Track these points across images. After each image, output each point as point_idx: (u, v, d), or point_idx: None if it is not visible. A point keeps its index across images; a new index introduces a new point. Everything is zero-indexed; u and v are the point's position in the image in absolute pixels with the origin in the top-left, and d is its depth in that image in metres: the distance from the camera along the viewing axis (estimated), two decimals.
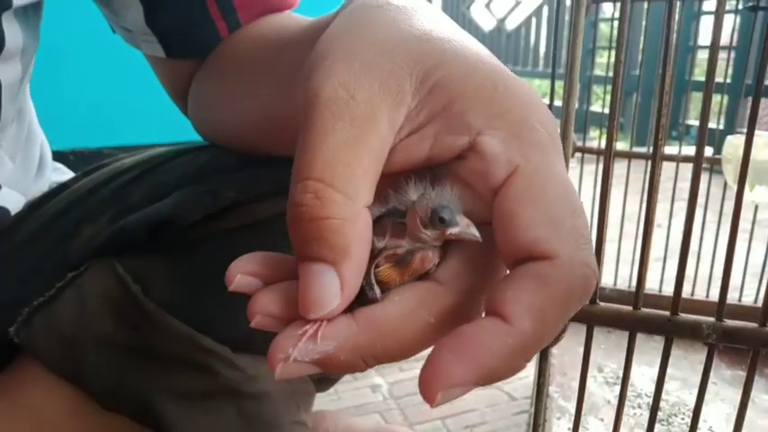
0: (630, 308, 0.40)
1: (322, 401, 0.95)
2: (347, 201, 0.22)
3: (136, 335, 0.44)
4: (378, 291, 0.24)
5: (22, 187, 0.55)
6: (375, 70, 0.24)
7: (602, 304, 0.41)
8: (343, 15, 0.28)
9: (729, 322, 0.38)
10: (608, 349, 1.00)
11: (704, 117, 0.37)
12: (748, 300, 1.08)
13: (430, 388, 0.21)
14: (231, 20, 0.49)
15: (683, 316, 0.39)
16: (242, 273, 0.25)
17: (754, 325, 0.38)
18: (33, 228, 0.50)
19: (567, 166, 0.42)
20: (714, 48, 0.36)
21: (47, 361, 0.45)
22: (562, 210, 0.22)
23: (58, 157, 0.66)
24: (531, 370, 1.08)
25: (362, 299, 0.24)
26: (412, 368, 1.08)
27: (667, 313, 0.39)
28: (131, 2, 0.48)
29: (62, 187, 0.53)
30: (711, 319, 0.38)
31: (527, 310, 0.21)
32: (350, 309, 0.23)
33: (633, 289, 0.40)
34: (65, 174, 0.65)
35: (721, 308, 0.38)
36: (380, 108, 0.23)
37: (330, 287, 0.22)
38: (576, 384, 0.44)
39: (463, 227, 0.23)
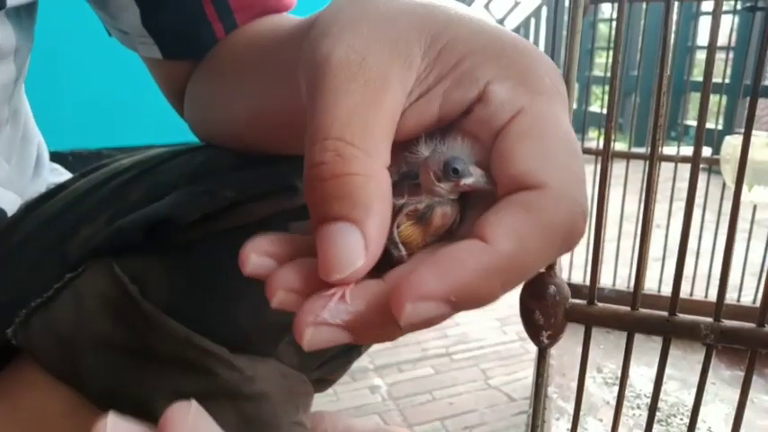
0: (629, 308, 0.40)
1: (320, 402, 0.95)
2: (368, 157, 0.22)
3: (134, 336, 0.44)
4: (403, 249, 0.24)
5: (19, 188, 0.55)
6: (384, 35, 0.24)
7: (600, 305, 0.41)
8: None
9: (727, 323, 0.38)
10: (607, 349, 1.00)
11: (701, 119, 0.37)
12: (747, 299, 1.08)
13: (399, 299, 0.20)
14: (228, 21, 0.49)
15: (681, 316, 0.39)
16: (256, 253, 0.24)
17: (752, 325, 0.38)
18: (31, 229, 0.50)
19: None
20: (711, 50, 0.36)
21: (45, 362, 0.45)
22: (559, 148, 0.23)
23: (57, 158, 0.66)
24: (529, 370, 1.08)
25: (385, 263, 0.23)
26: (411, 369, 1.08)
27: (665, 314, 0.39)
28: (128, 4, 0.48)
29: (60, 188, 0.53)
30: (709, 320, 0.38)
31: (507, 232, 0.21)
32: (373, 274, 0.23)
33: (632, 289, 0.40)
34: (62, 175, 0.65)
35: (719, 308, 0.38)
36: (392, 70, 0.23)
37: (356, 245, 0.21)
38: (575, 385, 0.44)
39: (477, 176, 0.23)
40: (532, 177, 0.22)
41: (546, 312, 0.40)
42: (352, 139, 0.22)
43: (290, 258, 0.24)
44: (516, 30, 4.31)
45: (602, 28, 2.98)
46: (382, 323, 0.22)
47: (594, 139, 1.69)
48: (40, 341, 0.45)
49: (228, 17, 0.48)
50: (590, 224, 0.40)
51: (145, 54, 0.52)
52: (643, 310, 0.40)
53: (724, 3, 1.04)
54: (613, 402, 0.44)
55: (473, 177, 0.23)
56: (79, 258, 0.46)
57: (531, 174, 0.22)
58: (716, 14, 0.35)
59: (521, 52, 0.25)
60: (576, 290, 1.05)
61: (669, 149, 1.20)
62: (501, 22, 4.34)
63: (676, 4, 1.20)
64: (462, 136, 0.25)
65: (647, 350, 0.91)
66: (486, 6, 4.38)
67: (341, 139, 0.22)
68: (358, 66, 0.23)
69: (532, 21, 4.26)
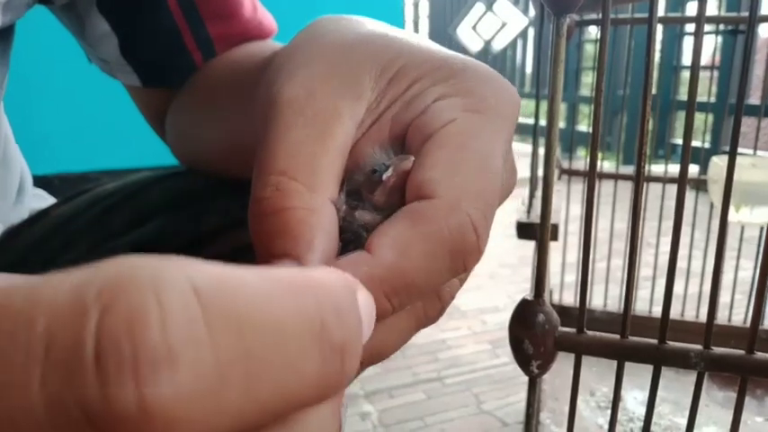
0: (617, 336, 0.39)
1: None
2: (311, 192, 0.22)
3: None
4: None
5: (1, 215, 0.54)
6: (335, 69, 0.24)
7: (590, 333, 0.40)
8: (300, 33, 0.28)
9: (717, 350, 0.38)
10: (600, 372, 0.99)
11: (686, 144, 0.36)
12: (738, 317, 1.08)
13: None
14: (207, 50, 0.49)
15: (671, 344, 0.38)
16: None
17: (741, 352, 0.37)
18: (12, 256, 0.49)
19: (551, 189, 0.42)
20: (694, 73, 0.36)
21: None
22: (469, 162, 0.22)
23: (43, 181, 0.65)
24: (523, 394, 1.07)
25: None
26: (402, 395, 1.07)
27: (655, 342, 0.38)
28: (106, 34, 0.48)
29: (42, 214, 0.52)
30: (699, 347, 0.38)
31: (390, 242, 0.20)
32: None
33: (622, 310, 0.40)
34: (45, 200, 0.64)
35: (708, 335, 0.38)
36: (341, 104, 0.23)
37: None
38: (567, 409, 0.43)
39: (394, 163, 0.23)
40: (429, 186, 0.21)
41: (535, 342, 0.39)
42: (295, 174, 0.22)
43: None
44: (503, 50, 4.36)
45: (589, 48, 3.02)
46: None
47: (582, 158, 1.70)
48: None
49: (208, 46, 0.49)
50: (579, 245, 0.39)
51: (124, 81, 0.52)
52: (633, 339, 0.39)
53: (707, 24, 1.05)
54: (606, 426, 0.43)
55: (391, 169, 0.23)
56: None
57: (428, 182, 0.21)
58: (696, 44, 0.35)
59: (471, 74, 0.25)
60: (566, 312, 1.05)
61: (657, 167, 1.21)
62: (488, 43, 4.39)
63: (660, 26, 1.21)
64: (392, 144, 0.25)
65: (640, 372, 0.90)
66: (474, 27, 4.43)
67: (283, 174, 0.22)
68: (306, 101, 0.23)
69: (519, 42, 4.31)
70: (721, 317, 1.09)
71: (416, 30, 5.40)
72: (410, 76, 0.24)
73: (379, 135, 0.25)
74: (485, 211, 0.22)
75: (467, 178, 0.22)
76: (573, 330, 0.40)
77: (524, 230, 0.70)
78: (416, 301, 0.23)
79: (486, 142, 0.23)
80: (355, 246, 0.22)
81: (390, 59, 0.25)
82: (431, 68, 0.25)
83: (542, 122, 0.76)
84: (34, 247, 0.49)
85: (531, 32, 4.18)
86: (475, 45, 4.52)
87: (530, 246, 0.81)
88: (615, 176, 1.12)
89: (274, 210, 0.21)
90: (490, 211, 0.22)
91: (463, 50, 4.56)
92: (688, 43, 2.51)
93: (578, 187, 1.06)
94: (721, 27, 1.16)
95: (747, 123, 1.88)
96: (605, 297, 1.14)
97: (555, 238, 0.72)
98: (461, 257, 0.21)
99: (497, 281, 1.61)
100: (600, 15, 0.36)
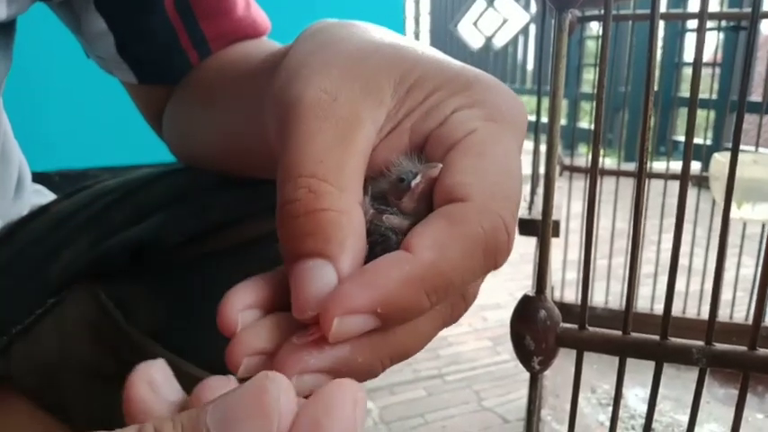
0: (620, 333, 0.39)
1: None
2: (341, 193, 0.22)
3: (119, 362, 0.43)
4: None
5: (0, 210, 0.54)
6: (355, 76, 0.25)
7: (592, 329, 0.40)
8: (307, 36, 0.28)
9: (719, 346, 0.38)
10: (601, 369, 0.99)
11: (688, 141, 0.36)
12: (740, 315, 1.08)
13: (326, 314, 0.20)
14: (203, 49, 0.49)
15: (673, 340, 0.38)
16: (239, 310, 0.23)
17: (743, 348, 0.37)
18: (12, 252, 0.49)
19: (553, 185, 0.42)
20: (696, 70, 0.36)
21: (27, 392, 0.44)
22: (494, 167, 0.23)
23: (43, 178, 0.65)
24: (523, 391, 1.07)
25: None
26: (403, 392, 1.07)
27: (657, 338, 0.38)
28: (103, 32, 0.48)
29: (42, 210, 0.53)
30: (701, 344, 0.38)
31: (428, 243, 0.21)
32: None
33: (623, 308, 0.40)
34: (46, 196, 0.64)
35: (710, 332, 0.38)
36: (363, 108, 0.24)
37: (330, 282, 0.21)
38: (569, 406, 0.43)
39: (422, 170, 0.24)
40: (461, 190, 0.22)
41: (537, 338, 0.39)
42: (325, 176, 0.22)
43: (273, 299, 0.24)
44: (505, 47, 4.35)
45: (590, 44, 3.01)
46: (365, 365, 0.22)
47: (584, 155, 1.70)
48: (21, 370, 0.44)
49: (203, 46, 0.49)
50: (580, 243, 0.39)
51: (121, 78, 0.52)
52: (635, 335, 0.39)
53: (709, 21, 1.05)
54: (608, 423, 0.43)
55: (419, 176, 0.24)
56: (62, 283, 0.46)
57: (460, 186, 0.22)
58: (699, 39, 0.35)
59: (484, 85, 0.26)
60: (568, 309, 1.05)
61: (659, 164, 1.20)
62: (489, 39, 4.39)
63: (662, 22, 1.21)
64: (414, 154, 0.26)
65: (641, 370, 0.90)
66: (475, 24, 4.43)
67: (314, 176, 0.22)
68: (329, 106, 0.24)
69: (521, 38, 4.30)
70: (723, 314, 1.09)
71: (417, 26, 5.39)
72: (427, 86, 0.25)
73: (397, 142, 0.25)
74: (513, 212, 0.23)
75: (494, 182, 0.23)
76: (574, 326, 0.40)
77: (526, 227, 0.70)
78: (450, 298, 0.24)
79: (507, 149, 0.24)
80: (383, 248, 0.23)
81: (407, 69, 0.25)
82: (446, 80, 0.25)
83: (544, 119, 0.76)
84: (34, 242, 0.49)
85: (533, 29, 4.17)
86: (476, 41, 4.51)
87: (531, 243, 0.81)
88: (617, 173, 1.11)
89: (306, 211, 0.22)
90: (516, 213, 0.23)
91: (464, 47, 4.56)
92: (690, 40, 2.50)
93: (580, 184, 1.06)
94: (723, 24, 1.16)
95: (749, 120, 1.87)
96: (607, 294, 1.14)
97: (556, 234, 0.72)
98: (494, 256, 0.22)
99: (498, 278, 1.61)
100: (602, 11, 0.36)
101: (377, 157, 0.25)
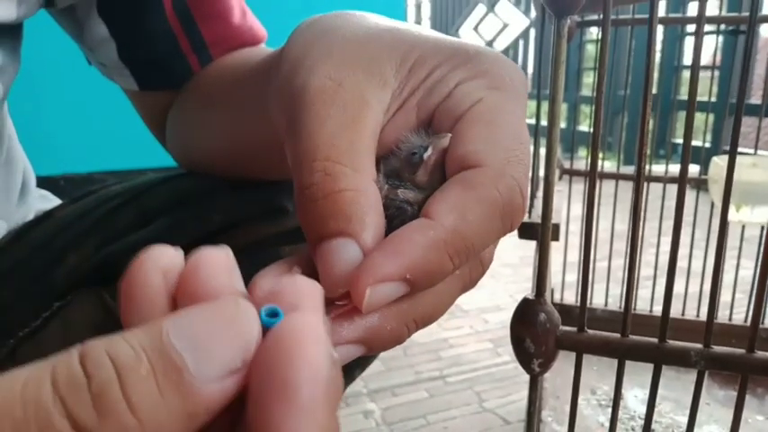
0: (618, 335, 0.40)
1: None
2: (356, 173, 0.23)
3: None
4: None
5: (4, 213, 0.54)
6: (356, 60, 0.25)
7: (591, 332, 0.40)
8: (303, 28, 0.29)
9: (717, 349, 0.38)
10: (601, 371, 0.99)
11: (686, 144, 0.37)
12: (739, 317, 1.08)
13: (357, 286, 0.21)
14: (203, 55, 0.50)
15: (671, 343, 0.39)
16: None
17: (741, 351, 0.38)
18: (18, 256, 0.49)
19: (552, 189, 0.42)
20: (694, 73, 0.36)
21: None
22: (504, 133, 0.24)
23: (49, 182, 0.66)
24: (524, 392, 1.08)
25: None
26: (405, 393, 1.07)
27: (655, 340, 0.39)
28: (104, 38, 0.48)
29: (47, 215, 0.53)
30: (699, 346, 0.38)
31: (449, 207, 0.22)
32: None
33: (622, 310, 0.40)
34: (51, 201, 0.64)
35: (708, 334, 0.38)
36: (368, 91, 0.25)
37: (356, 258, 0.22)
38: (569, 408, 0.44)
39: (432, 142, 0.25)
40: (475, 157, 0.23)
41: (537, 340, 0.39)
42: (339, 158, 0.23)
43: None
44: (505, 51, 4.35)
45: (590, 48, 3.02)
46: (393, 332, 0.23)
47: (584, 159, 1.71)
48: None
49: (203, 51, 0.49)
50: (580, 245, 0.39)
51: (122, 85, 0.53)
52: (633, 337, 0.40)
53: (708, 25, 1.05)
54: (607, 425, 0.44)
55: (430, 149, 0.25)
56: (67, 286, 0.46)
57: (474, 153, 0.23)
58: (697, 45, 0.35)
59: (484, 56, 0.26)
60: (568, 311, 1.05)
61: (658, 167, 1.21)
62: (490, 44, 4.39)
63: (661, 26, 1.22)
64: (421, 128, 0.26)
65: (641, 371, 0.90)
66: (475, 28, 4.43)
67: (328, 160, 0.23)
68: (335, 91, 0.24)
69: (521, 42, 4.30)
70: (722, 316, 1.09)
71: None
72: (428, 63, 0.26)
73: (404, 120, 0.26)
74: (525, 175, 0.24)
75: (506, 147, 0.24)
76: (574, 329, 0.41)
77: (525, 230, 0.70)
78: (471, 261, 0.24)
79: (513, 115, 0.25)
80: (401, 221, 0.23)
81: (407, 50, 0.26)
82: (447, 55, 0.26)
83: (543, 123, 0.77)
84: (40, 247, 0.49)
85: (533, 33, 4.18)
86: None
87: (531, 246, 0.81)
88: (616, 176, 1.12)
89: (324, 193, 0.22)
90: (528, 174, 0.24)
91: None
92: (689, 43, 2.51)
93: (579, 187, 1.06)
94: (722, 27, 1.17)
95: (748, 123, 1.88)
96: (606, 296, 1.14)
97: (556, 237, 0.72)
98: (510, 217, 0.23)
99: (499, 280, 1.62)
100: (601, 16, 0.36)
101: (386, 137, 0.26)
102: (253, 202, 0.47)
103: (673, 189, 0.77)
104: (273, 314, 0.17)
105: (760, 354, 0.37)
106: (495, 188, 0.23)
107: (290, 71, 0.26)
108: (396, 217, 0.24)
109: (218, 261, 0.19)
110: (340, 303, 0.22)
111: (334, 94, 0.24)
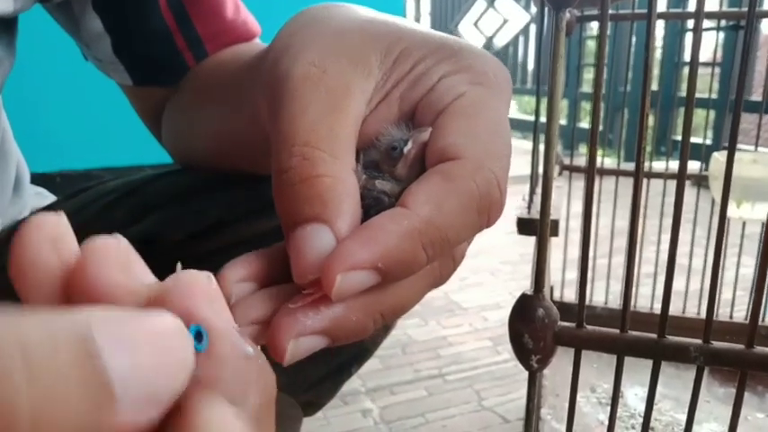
0: (617, 331, 0.39)
1: (310, 427, 0.93)
2: (335, 160, 0.23)
3: None
4: None
5: None
6: (341, 49, 0.25)
7: (590, 328, 0.40)
8: (291, 20, 0.29)
9: (716, 344, 0.38)
10: (600, 368, 0.99)
11: (685, 140, 0.37)
12: (740, 314, 1.08)
13: (328, 273, 0.20)
14: (198, 50, 0.50)
15: (671, 338, 0.38)
16: (235, 281, 0.23)
17: (740, 347, 0.37)
18: None
19: (551, 185, 0.42)
20: (693, 69, 0.36)
21: None
22: (484, 127, 0.24)
23: (45, 179, 0.66)
24: (524, 391, 1.07)
25: None
26: (404, 392, 1.07)
27: (654, 336, 0.38)
28: (100, 33, 0.48)
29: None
30: (698, 342, 0.38)
31: (426, 199, 0.22)
32: None
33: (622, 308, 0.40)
34: (47, 198, 0.64)
35: (708, 330, 0.38)
36: (352, 80, 0.25)
37: (329, 245, 0.22)
38: (568, 405, 0.44)
39: (412, 136, 0.25)
40: (454, 149, 0.23)
41: (535, 336, 0.39)
42: (318, 144, 0.23)
43: (269, 273, 0.24)
44: (505, 47, 4.35)
45: (590, 44, 3.01)
46: (358, 323, 0.22)
47: (584, 155, 1.70)
48: None
49: (198, 47, 0.49)
50: (580, 242, 0.39)
51: (117, 80, 0.53)
52: (632, 333, 0.39)
53: (708, 20, 1.04)
54: (607, 422, 0.43)
55: (410, 142, 0.25)
56: None
57: (453, 146, 0.23)
58: (696, 40, 0.35)
59: (468, 52, 0.26)
60: (567, 309, 1.05)
61: (659, 164, 1.20)
62: (490, 39, 4.38)
63: (661, 21, 1.21)
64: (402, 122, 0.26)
65: (640, 368, 0.90)
66: (475, 24, 4.43)
67: (307, 145, 0.23)
68: (319, 78, 0.24)
69: (521, 38, 4.30)
70: (723, 313, 1.09)
71: None
72: (413, 56, 0.26)
73: (386, 112, 0.26)
74: (504, 170, 0.24)
75: (486, 141, 0.23)
76: (572, 325, 0.40)
77: (524, 226, 0.70)
78: (446, 254, 0.24)
79: (495, 110, 0.25)
80: (376, 211, 0.23)
81: (392, 41, 0.26)
82: (431, 49, 0.26)
83: (543, 119, 0.77)
84: None
85: (533, 29, 4.17)
86: (477, 42, 4.51)
87: (530, 242, 0.81)
88: (616, 173, 1.11)
89: (302, 178, 0.22)
90: (507, 170, 0.24)
91: None
92: (689, 39, 2.50)
93: (580, 184, 1.06)
94: (723, 23, 1.16)
95: (749, 120, 1.87)
96: (606, 294, 1.14)
97: (555, 233, 0.72)
98: (487, 211, 0.23)
99: (498, 278, 1.61)
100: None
101: (367, 128, 0.25)
102: (250, 197, 0.47)
103: (673, 186, 0.77)
104: (198, 335, 0.16)
105: (759, 349, 0.37)
106: (473, 180, 0.22)
107: (274, 59, 0.26)
108: (372, 207, 0.24)
109: (111, 253, 0.18)
110: (306, 292, 0.22)
111: (317, 81, 0.24)
